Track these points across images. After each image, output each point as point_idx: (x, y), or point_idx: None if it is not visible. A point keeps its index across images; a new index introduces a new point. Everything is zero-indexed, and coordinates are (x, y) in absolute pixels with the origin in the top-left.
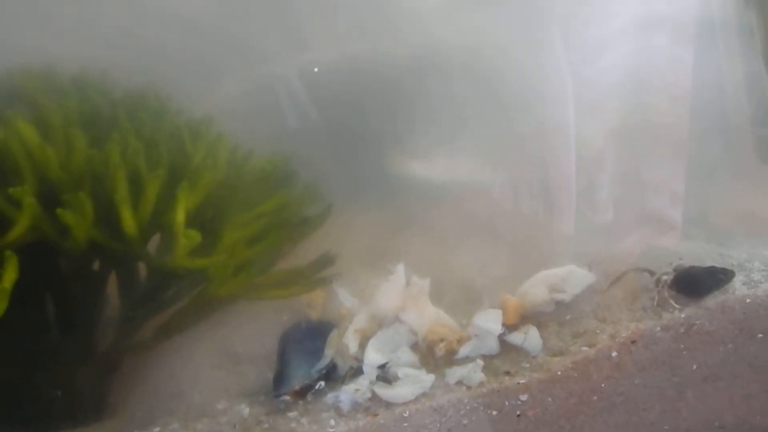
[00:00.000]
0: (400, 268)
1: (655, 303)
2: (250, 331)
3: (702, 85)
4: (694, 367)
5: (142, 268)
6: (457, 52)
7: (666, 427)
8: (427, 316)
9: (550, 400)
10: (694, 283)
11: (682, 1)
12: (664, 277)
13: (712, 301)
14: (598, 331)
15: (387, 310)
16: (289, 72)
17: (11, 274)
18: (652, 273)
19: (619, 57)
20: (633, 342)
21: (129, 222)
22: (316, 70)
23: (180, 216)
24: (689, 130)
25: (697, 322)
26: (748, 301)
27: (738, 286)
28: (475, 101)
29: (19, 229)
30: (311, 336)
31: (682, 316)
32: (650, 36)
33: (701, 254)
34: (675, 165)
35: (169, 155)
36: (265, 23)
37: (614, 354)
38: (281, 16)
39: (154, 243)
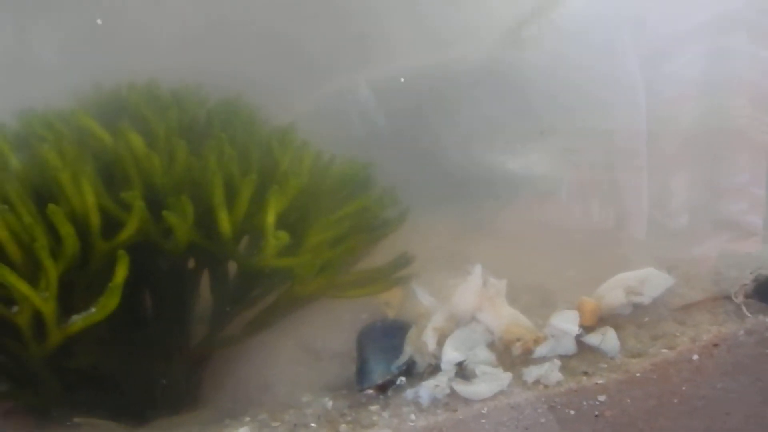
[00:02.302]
0: (478, 269)
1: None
2: (331, 329)
3: None
4: None
5: (232, 267)
6: (525, 57)
7: None
8: (504, 316)
9: (628, 401)
10: None
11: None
12: (746, 287)
13: None
14: (677, 334)
15: (464, 309)
16: (366, 80)
17: (122, 271)
18: (730, 288)
19: (695, 58)
20: (715, 345)
21: (225, 224)
22: (402, 80)
23: (270, 218)
24: None
25: None
26: None
27: None
28: (548, 105)
29: (129, 230)
30: (389, 334)
31: (767, 320)
32: (727, 36)
33: None
34: (755, 168)
35: (258, 162)
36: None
37: (695, 357)
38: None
39: (242, 244)
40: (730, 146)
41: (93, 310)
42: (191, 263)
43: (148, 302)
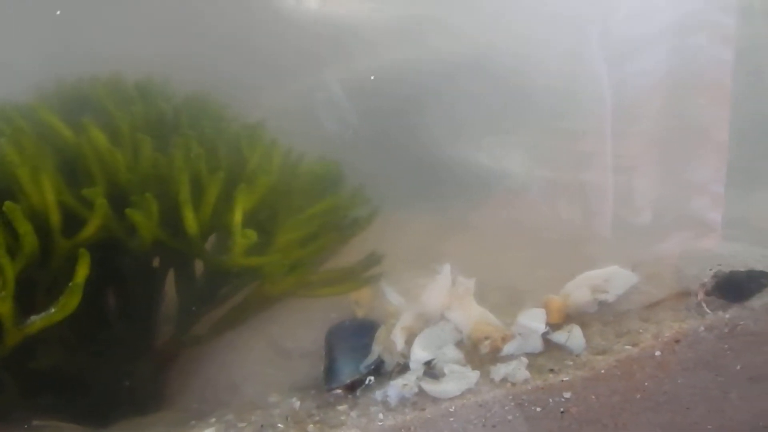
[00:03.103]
0: (446, 268)
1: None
2: (301, 328)
3: (743, 85)
4: (739, 367)
5: (198, 266)
6: (495, 55)
7: (710, 427)
8: (472, 315)
9: (593, 397)
10: (736, 288)
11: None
12: (706, 284)
13: (758, 302)
14: (641, 331)
15: (433, 308)
16: (338, 77)
17: (83, 270)
18: (691, 293)
19: (658, 58)
20: (676, 341)
21: (191, 222)
22: (372, 77)
23: (238, 216)
24: (730, 131)
25: (741, 322)
26: None
27: None
28: (515, 105)
29: (90, 228)
30: (357, 333)
31: (726, 316)
32: (689, 36)
33: (745, 256)
34: (715, 166)
35: (227, 159)
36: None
37: (658, 353)
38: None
39: (210, 242)
40: (693, 144)
41: (53, 310)
42: (156, 262)
43: (112, 301)
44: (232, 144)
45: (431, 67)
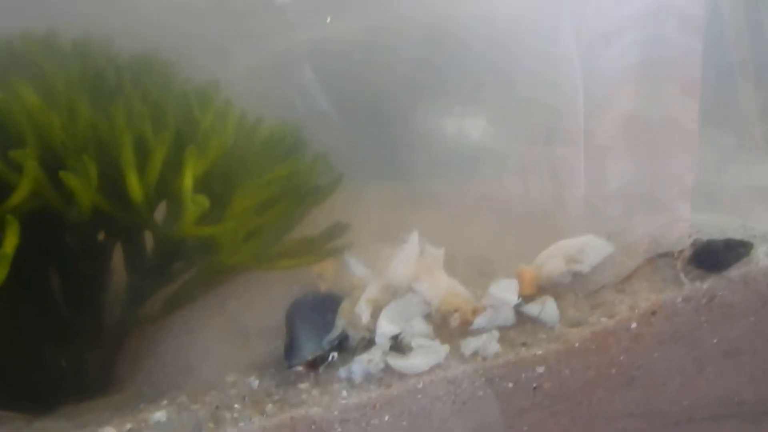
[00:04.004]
0: (414, 237)
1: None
2: (261, 304)
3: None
4: (715, 341)
5: (149, 239)
6: (470, 30)
7: (685, 403)
8: (442, 287)
9: (567, 372)
10: (713, 257)
11: None
12: (684, 253)
13: (735, 272)
14: (616, 302)
15: (400, 279)
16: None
17: (12, 239)
18: (668, 254)
19: (630, 45)
20: (653, 313)
21: (135, 187)
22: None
23: (188, 181)
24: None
25: (719, 293)
26: None
27: (761, 257)
28: (489, 78)
29: (20, 194)
30: (320, 307)
31: (704, 287)
32: (660, 25)
33: (723, 226)
34: (684, 155)
35: (176, 121)
36: None
37: (633, 325)
38: None
39: (160, 214)
40: (662, 133)
41: None
42: (102, 235)
43: (56, 279)
44: (182, 105)
45: (405, 34)
